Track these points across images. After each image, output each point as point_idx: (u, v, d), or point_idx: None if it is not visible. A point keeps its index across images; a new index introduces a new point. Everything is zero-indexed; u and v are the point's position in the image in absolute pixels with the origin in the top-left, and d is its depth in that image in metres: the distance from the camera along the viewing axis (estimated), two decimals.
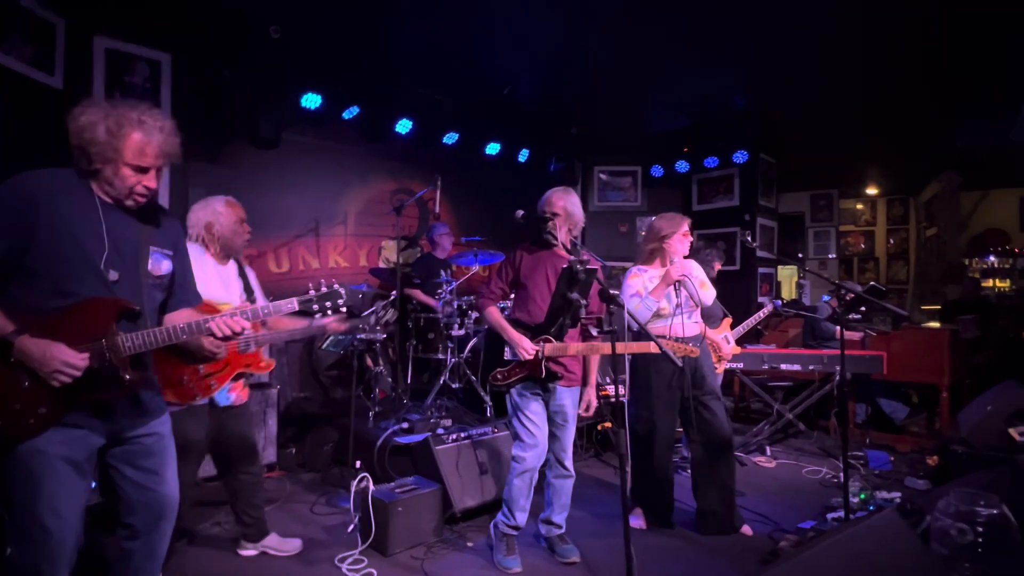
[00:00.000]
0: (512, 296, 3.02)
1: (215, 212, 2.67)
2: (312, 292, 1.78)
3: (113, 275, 1.61)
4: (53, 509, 1.53)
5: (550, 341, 2.70)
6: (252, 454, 2.79)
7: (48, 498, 1.52)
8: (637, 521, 3.18)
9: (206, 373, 2.49)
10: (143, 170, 1.62)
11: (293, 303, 1.76)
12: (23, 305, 1.54)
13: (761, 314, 4.40)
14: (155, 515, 1.74)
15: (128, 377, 1.62)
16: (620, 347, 2.26)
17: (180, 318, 1.78)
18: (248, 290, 2.78)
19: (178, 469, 2.17)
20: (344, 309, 1.80)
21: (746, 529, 3.12)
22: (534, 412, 2.77)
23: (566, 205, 2.78)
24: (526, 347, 2.68)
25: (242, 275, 2.78)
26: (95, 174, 1.62)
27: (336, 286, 1.79)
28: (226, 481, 2.79)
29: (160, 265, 1.75)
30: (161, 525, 1.77)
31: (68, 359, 1.51)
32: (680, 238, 3.07)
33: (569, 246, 2.74)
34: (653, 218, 3.25)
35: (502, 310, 2.94)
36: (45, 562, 1.53)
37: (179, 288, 1.84)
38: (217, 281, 2.61)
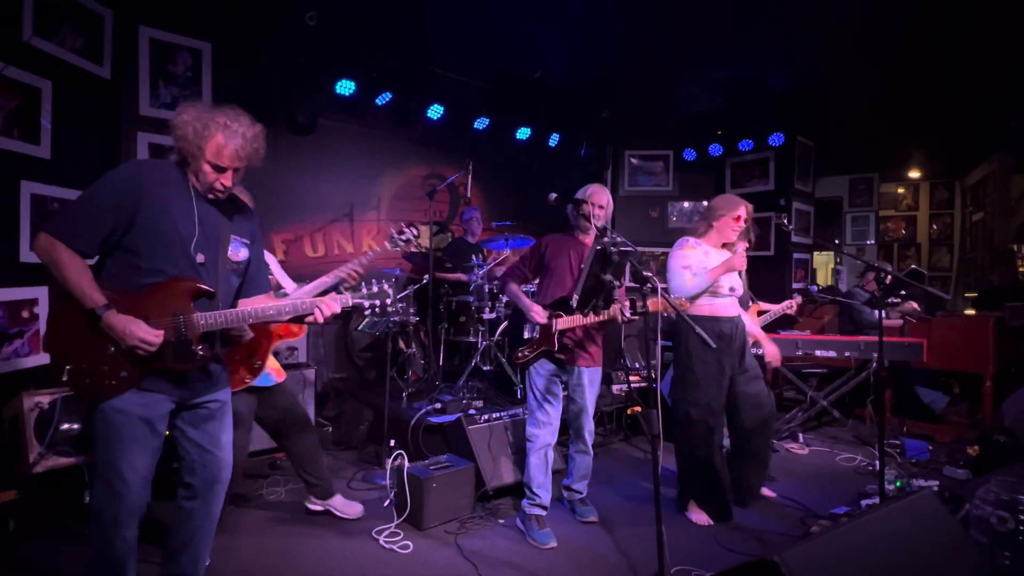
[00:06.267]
0: (537, 282, 3.15)
1: None
2: (364, 290, 1.97)
3: (200, 258, 1.79)
4: (131, 463, 1.71)
5: (561, 316, 2.83)
6: (304, 422, 3.01)
7: (127, 452, 1.71)
8: (700, 517, 3.03)
9: (248, 356, 2.68)
10: (220, 169, 1.79)
11: (347, 299, 1.94)
12: (117, 280, 1.72)
13: (789, 305, 4.26)
14: (212, 476, 1.90)
15: (200, 352, 1.78)
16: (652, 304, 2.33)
17: (254, 303, 1.94)
18: None
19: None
20: (390, 308, 1.98)
21: (767, 491, 3.25)
22: (550, 392, 2.91)
23: (610, 201, 2.97)
24: (537, 311, 2.85)
25: None
26: (188, 165, 1.81)
27: (386, 286, 1.97)
28: (287, 452, 3.02)
29: (238, 252, 1.92)
30: (216, 487, 1.92)
31: (144, 336, 1.67)
32: (730, 221, 3.02)
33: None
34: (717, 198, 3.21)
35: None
36: (122, 512, 1.72)
37: (254, 274, 2.01)
38: None
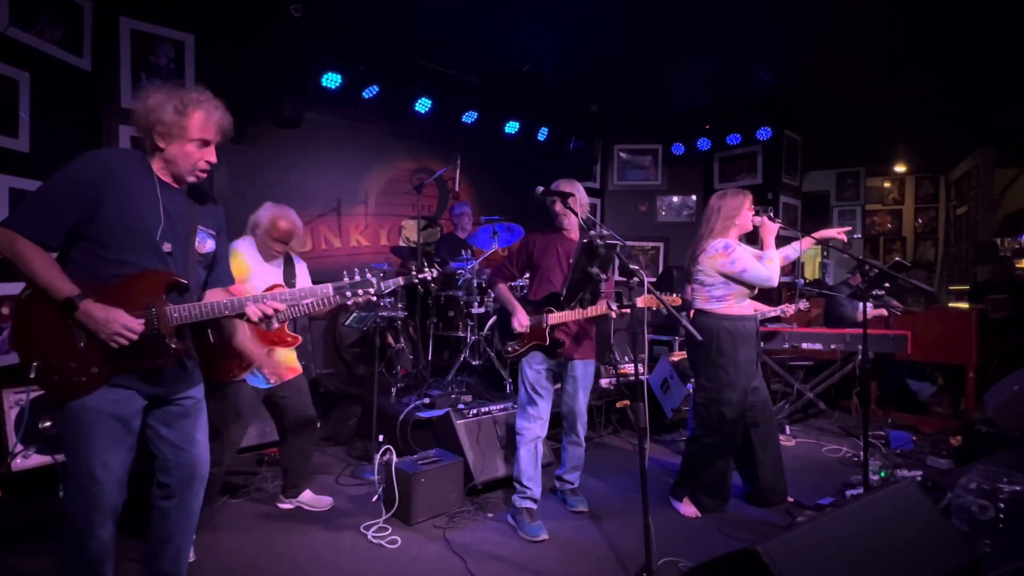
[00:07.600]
0: (527, 278, 3.16)
1: (261, 216, 2.81)
2: (347, 279, 1.90)
3: (167, 247, 1.73)
4: (103, 461, 1.65)
5: (552, 312, 2.84)
6: (308, 427, 2.97)
7: (98, 450, 1.65)
8: (688, 509, 3.04)
9: (238, 353, 2.59)
10: (205, 144, 1.75)
11: (328, 288, 1.88)
12: (84, 271, 1.65)
13: (786, 310, 4.18)
14: (188, 475, 1.86)
15: (173, 346, 1.72)
16: (641, 301, 2.33)
17: (214, 297, 1.90)
18: (290, 284, 2.91)
19: (225, 430, 2.62)
20: (374, 297, 1.92)
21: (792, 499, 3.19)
22: (541, 386, 2.93)
23: (574, 190, 2.90)
24: (519, 318, 2.86)
25: (288, 270, 2.93)
26: (158, 153, 1.74)
27: (368, 275, 1.91)
28: (282, 445, 3.01)
29: (205, 244, 1.86)
30: (194, 484, 1.87)
31: (128, 323, 1.62)
32: (746, 212, 3.00)
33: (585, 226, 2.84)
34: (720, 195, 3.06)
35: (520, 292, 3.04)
36: (95, 511, 1.66)
37: (217, 267, 1.96)
38: (256, 272, 2.77)
